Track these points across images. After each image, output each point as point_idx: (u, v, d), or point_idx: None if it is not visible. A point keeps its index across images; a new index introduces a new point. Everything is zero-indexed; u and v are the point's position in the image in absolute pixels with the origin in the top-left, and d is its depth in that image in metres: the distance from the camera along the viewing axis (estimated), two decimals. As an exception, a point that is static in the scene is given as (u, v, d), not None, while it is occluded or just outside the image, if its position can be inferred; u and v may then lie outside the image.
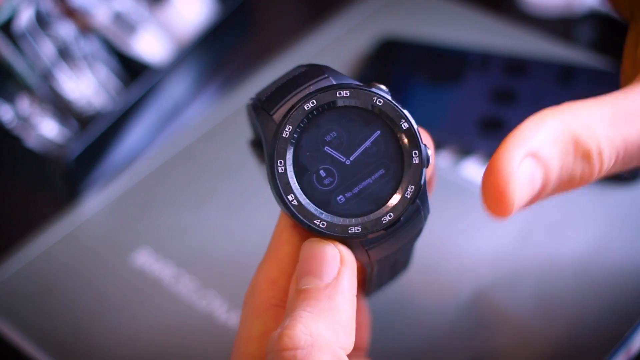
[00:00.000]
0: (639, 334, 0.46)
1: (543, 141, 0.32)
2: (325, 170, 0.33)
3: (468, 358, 0.46)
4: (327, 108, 0.33)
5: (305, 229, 0.33)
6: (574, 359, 0.45)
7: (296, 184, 0.33)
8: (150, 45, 0.65)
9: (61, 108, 0.61)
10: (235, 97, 0.63)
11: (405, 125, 0.33)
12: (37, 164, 0.59)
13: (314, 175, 0.33)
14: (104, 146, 0.60)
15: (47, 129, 0.60)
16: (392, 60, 0.63)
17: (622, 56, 0.37)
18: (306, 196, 0.33)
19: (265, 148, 0.34)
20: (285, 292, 0.36)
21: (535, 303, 0.48)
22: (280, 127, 0.33)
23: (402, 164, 0.33)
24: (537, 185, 0.33)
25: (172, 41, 0.66)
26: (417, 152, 0.33)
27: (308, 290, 0.32)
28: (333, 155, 0.33)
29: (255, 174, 0.57)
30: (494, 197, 0.32)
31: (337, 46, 0.65)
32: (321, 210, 0.33)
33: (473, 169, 0.56)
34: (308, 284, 0.33)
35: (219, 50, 0.68)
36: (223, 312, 0.50)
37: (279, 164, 0.33)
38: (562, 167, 0.33)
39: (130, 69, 0.64)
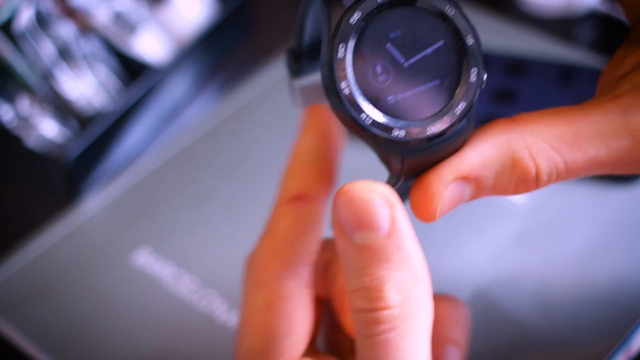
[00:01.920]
0: (639, 334, 0.46)
1: (477, 164, 0.33)
2: (382, 66, 0.32)
3: (468, 358, 0.46)
4: (399, 4, 0.32)
5: (348, 121, 0.31)
6: (574, 359, 0.45)
7: (352, 72, 0.31)
8: (150, 45, 0.65)
9: (61, 108, 0.61)
10: (236, 97, 0.63)
11: (471, 41, 0.32)
12: (37, 164, 0.59)
13: (370, 70, 0.32)
14: (104, 146, 0.60)
15: (47, 129, 0.60)
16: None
17: (609, 61, 0.37)
18: (358, 88, 0.32)
19: (326, 34, 0.32)
20: (285, 265, 0.35)
21: (535, 303, 0.48)
22: (349, 11, 0.31)
23: (459, 80, 0.32)
24: (466, 197, 0.33)
25: (172, 41, 0.66)
26: (476, 70, 0.32)
27: (371, 246, 0.30)
28: (393, 54, 0.32)
29: (255, 174, 0.57)
30: (420, 207, 0.33)
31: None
32: (372, 106, 0.31)
33: (473, 169, 0.56)
34: (367, 239, 0.31)
35: (219, 50, 0.68)
36: (223, 312, 0.50)
37: (339, 48, 0.31)
38: (497, 183, 0.33)
39: (130, 69, 0.64)
